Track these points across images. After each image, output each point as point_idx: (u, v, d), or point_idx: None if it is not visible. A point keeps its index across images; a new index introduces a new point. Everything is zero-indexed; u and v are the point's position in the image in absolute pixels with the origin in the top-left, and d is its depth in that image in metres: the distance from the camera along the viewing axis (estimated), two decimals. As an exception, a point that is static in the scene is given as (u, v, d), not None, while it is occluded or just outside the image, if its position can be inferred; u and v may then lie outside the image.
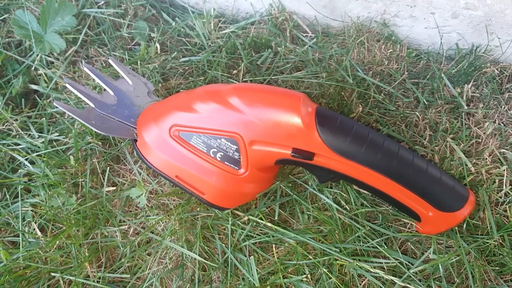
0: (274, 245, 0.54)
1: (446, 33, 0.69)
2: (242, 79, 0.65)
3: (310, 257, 0.52)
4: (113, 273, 0.54)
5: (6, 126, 0.62)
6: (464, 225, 0.54)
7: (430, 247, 0.53)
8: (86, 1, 0.71)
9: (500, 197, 0.56)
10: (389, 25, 0.71)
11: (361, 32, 0.71)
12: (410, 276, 0.51)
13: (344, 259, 0.52)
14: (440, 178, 0.48)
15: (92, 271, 0.53)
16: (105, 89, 0.57)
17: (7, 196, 0.57)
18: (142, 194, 0.55)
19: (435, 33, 0.69)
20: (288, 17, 0.72)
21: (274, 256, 0.53)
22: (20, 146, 0.60)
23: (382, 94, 0.63)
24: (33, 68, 0.67)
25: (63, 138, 0.60)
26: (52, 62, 0.68)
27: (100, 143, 0.59)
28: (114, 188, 0.57)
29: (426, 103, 0.63)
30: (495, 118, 0.63)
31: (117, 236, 0.55)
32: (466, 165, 0.56)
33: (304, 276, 0.52)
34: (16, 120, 0.62)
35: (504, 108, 0.64)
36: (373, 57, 0.68)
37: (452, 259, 0.52)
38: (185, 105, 0.49)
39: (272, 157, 0.48)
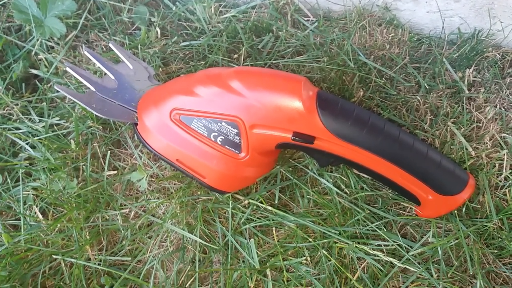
0: (274, 228, 0.54)
1: (448, 17, 0.68)
2: (243, 63, 0.64)
3: (310, 239, 0.53)
4: (114, 256, 0.54)
5: (6, 110, 0.62)
6: (464, 209, 0.54)
7: (430, 230, 0.53)
8: (85, -15, 0.71)
9: (500, 181, 0.56)
10: (390, 9, 0.70)
11: (363, 16, 0.70)
12: (409, 259, 0.52)
13: (343, 241, 0.52)
14: (440, 162, 0.48)
15: (93, 254, 0.54)
16: (105, 73, 0.56)
17: (8, 180, 0.57)
18: (143, 178, 0.55)
19: (437, 17, 0.69)
20: (289, 1, 0.71)
21: (274, 239, 0.53)
22: (21, 131, 0.60)
23: (383, 78, 0.63)
24: (33, 53, 0.66)
25: (64, 122, 0.60)
26: (52, 47, 0.67)
27: (100, 127, 0.59)
28: (115, 172, 0.57)
29: (427, 87, 0.63)
30: (496, 102, 0.63)
31: (118, 219, 0.55)
32: (467, 149, 0.56)
33: (304, 258, 0.52)
34: (17, 104, 0.62)
35: (505, 92, 0.64)
36: (375, 41, 0.67)
37: (451, 242, 0.52)
38: (186, 89, 0.49)
39: (272, 141, 0.48)
